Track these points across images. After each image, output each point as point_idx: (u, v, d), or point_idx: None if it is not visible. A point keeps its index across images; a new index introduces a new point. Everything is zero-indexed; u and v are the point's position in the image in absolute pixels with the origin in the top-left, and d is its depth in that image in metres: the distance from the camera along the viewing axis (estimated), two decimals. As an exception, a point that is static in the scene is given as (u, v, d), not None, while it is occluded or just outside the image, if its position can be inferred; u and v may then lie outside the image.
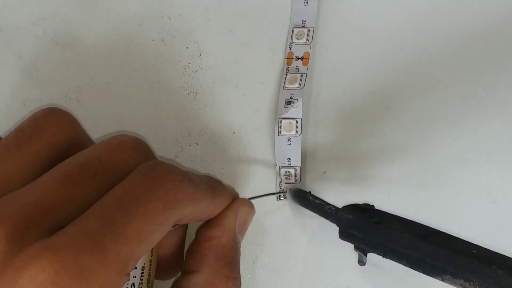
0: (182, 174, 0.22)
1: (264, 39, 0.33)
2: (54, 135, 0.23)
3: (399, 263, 0.26)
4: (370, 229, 0.27)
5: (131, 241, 0.19)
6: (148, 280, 0.23)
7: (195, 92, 0.33)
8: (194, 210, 0.22)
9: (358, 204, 0.29)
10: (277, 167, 0.32)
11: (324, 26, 0.33)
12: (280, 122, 0.31)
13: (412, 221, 0.27)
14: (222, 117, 0.33)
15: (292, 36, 0.32)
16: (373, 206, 0.29)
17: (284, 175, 0.32)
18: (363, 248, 0.28)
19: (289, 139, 0.31)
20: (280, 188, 0.32)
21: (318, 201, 0.30)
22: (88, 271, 0.18)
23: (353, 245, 0.29)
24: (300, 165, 0.31)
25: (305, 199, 0.31)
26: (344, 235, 0.29)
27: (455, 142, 0.31)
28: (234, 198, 0.26)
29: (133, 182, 0.20)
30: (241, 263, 0.32)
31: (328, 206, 0.29)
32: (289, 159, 0.31)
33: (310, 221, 0.32)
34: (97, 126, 0.33)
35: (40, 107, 0.34)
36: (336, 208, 0.29)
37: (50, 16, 0.34)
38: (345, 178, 0.32)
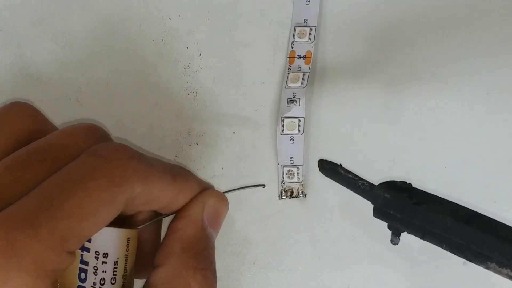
0: (131, 152, 0.21)
1: (264, 39, 0.33)
2: (14, 127, 0.23)
3: (438, 246, 0.25)
4: (409, 210, 0.26)
5: (70, 218, 0.19)
6: (124, 276, 0.23)
7: (195, 92, 0.33)
8: (148, 192, 0.22)
9: (395, 182, 0.28)
10: (280, 166, 0.32)
11: (326, 25, 0.33)
12: (283, 121, 0.31)
13: (454, 203, 0.26)
14: (222, 117, 0.33)
15: (294, 34, 0.32)
16: (410, 184, 0.28)
17: (286, 174, 0.32)
18: (398, 228, 0.27)
19: (291, 138, 0.31)
20: (282, 187, 0.32)
21: (351, 176, 0.29)
22: (19, 246, 0.18)
23: (386, 224, 0.28)
24: (303, 164, 0.31)
25: (336, 172, 0.29)
26: (379, 213, 0.27)
27: (455, 142, 0.31)
28: (205, 189, 0.25)
29: (79, 162, 0.20)
30: (241, 263, 0.32)
31: (361, 182, 0.28)
32: (291, 158, 0.31)
33: (310, 220, 0.32)
34: (97, 126, 0.33)
35: (40, 107, 0.34)
36: (370, 184, 0.28)
37: (50, 16, 0.34)
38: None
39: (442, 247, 0.25)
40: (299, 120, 0.31)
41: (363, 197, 0.28)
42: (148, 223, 0.24)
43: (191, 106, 0.33)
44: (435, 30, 0.32)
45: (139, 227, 0.24)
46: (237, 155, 0.33)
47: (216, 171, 0.33)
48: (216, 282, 0.24)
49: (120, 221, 0.23)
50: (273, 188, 0.32)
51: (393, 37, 0.32)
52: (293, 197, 0.32)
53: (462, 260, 0.30)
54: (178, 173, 0.24)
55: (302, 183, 0.31)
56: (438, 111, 0.32)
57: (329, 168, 0.30)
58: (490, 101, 0.31)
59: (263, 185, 0.29)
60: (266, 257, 0.32)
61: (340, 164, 0.30)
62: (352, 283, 0.32)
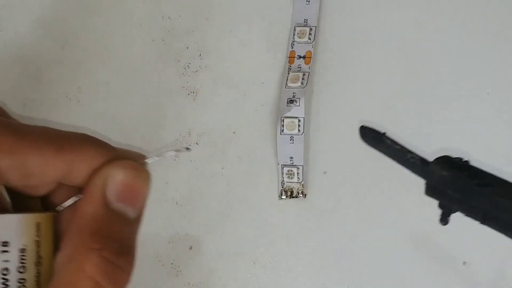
0: None
1: (264, 39, 0.33)
2: None
3: (501, 232, 0.24)
4: (471, 192, 0.24)
5: None
6: (38, 263, 0.21)
7: (195, 92, 0.33)
8: (21, 165, 0.19)
9: (451, 158, 0.25)
10: (280, 166, 0.32)
11: (326, 25, 0.33)
12: (283, 121, 0.31)
13: None
14: (222, 117, 0.33)
15: (294, 34, 0.32)
16: (468, 161, 0.25)
17: (286, 174, 0.32)
18: (452, 208, 0.25)
19: (291, 138, 0.31)
20: (282, 187, 0.32)
21: (398, 147, 0.26)
22: None
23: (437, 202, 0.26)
24: (302, 164, 0.31)
25: (380, 141, 0.27)
26: (433, 191, 0.25)
27: (455, 142, 0.31)
28: (114, 159, 0.21)
29: None
30: (241, 262, 0.32)
31: (411, 155, 0.26)
32: (291, 157, 0.31)
33: (310, 221, 0.32)
34: (97, 126, 0.33)
35: (40, 107, 0.34)
36: (422, 159, 0.26)
37: (50, 16, 0.34)
38: (345, 178, 0.32)
39: (505, 234, 0.23)
40: (299, 120, 0.31)
41: (412, 171, 0.26)
42: (66, 204, 0.21)
43: (191, 106, 0.33)
44: (436, 29, 0.32)
45: (57, 209, 0.22)
46: (237, 155, 0.33)
47: (216, 171, 0.33)
48: (129, 263, 0.21)
49: (34, 204, 0.21)
50: (273, 189, 0.32)
51: (394, 37, 0.32)
52: (293, 197, 0.32)
53: (462, 260, 0.30)
54: (70, 142, 0.21)
55: (302, 183, 0.31)
56: (438, 111, 0.31)
57: (373, 137, 0.28)
58: (490, 101, 0.31)
59: (188, 148, 0.24)
60: (266, 257, 0.32)
61: (385, 133, 0.28)
62: (352, 283, 0.32)
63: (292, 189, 0.32)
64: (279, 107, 0.32)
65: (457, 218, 0.31)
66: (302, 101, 0.31)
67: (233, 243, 0.32)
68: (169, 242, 0.33)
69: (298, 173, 0.31)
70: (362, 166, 0.31)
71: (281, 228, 0.32)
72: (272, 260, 0.32)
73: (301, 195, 0.32)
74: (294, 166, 0.31)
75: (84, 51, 0.34)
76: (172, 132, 0.33)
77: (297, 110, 0.31)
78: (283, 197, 0.32)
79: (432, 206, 0.31)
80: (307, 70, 0.32)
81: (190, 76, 0.33)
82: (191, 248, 0.32)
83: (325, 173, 0.32)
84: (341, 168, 0.32)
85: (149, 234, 0.33)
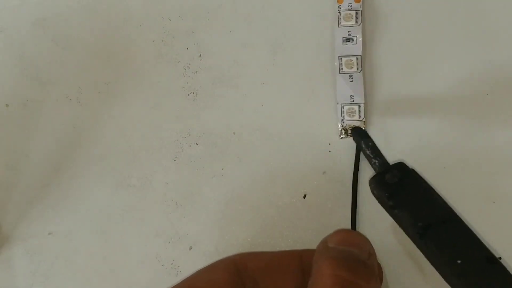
0: None
1: (264, 39, 0.33)
2: None
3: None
4: (388, 211, 0.25)
5: None
6: None
7: (195, 93, 0.33)
8: None
9: (383, 175, 0.26)
10: (339, 105, 0.32)
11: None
12: (341, 60, 0.31)
13: (435, 200, 0.25)
14: (222, 117, 0.33)
15: None
16: (406, 175, 0.26)
17: (347, 112, 0.32)
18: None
19: (350, 76, 0.31)
20: (342, 126, 0.32)
21: (368, 152, 0.28)
22: None
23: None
24: (364, 101, 0.31)
25: (359, 146, 0.29)
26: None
27: (454, 142, 0.31)
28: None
29: None
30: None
31: (374, 161, 0.28)
32: (351, 96, 0.31)
33: (310, 221, 0.32)
34: (97, 126, 0.33)
35: (40, 107, 0.34)
36: (380, 166, 0.27)
37: (51, 16, 0.34)
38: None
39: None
40: (357, 58, 0.31)
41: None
42: None
43: (191, 107, 0.33)
44: (436, 30, 0.32)
45: None
46: (237, 155, 0.33)
47: (216, 171, 0.33)
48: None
49: None
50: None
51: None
52: None
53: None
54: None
55: (364, 120, 0.31)
56: (438, 111, 0.32)
57: (355, 139, 0.30)
58: (490, 101, 0.31)
59: None
60: (266, 257, 0.32)
61: (367, 136, 0.29)
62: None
63: (353, 127, 0.32)
64: (335, 47, 0.32)
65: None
66: (359, 39, 0.31)
67: (234, 244, 0.32)
68: (169, 242, 0.33)
69: (360, 110, 0.31)
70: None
71: (281, 228, 0.32)
72: (272, 260, 0.32)
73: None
74: (355, 104, 0.31)
75: (84, 51, 0.34)
76: (172, 132, 0.33)
77: (354, 48, 0.31)
78: (343, 136, 0.32)
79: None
80: (359, 8, 0.32)
81: (190, 76, 0.33)
82: (191, 248, 0.33)
83: (324, 173, 0.32)
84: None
85: (149, 234, 0.33)
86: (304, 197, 0.32)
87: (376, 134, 0.32)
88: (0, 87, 0.34)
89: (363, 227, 0.31)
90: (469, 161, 0.31)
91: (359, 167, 0.32)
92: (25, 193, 0.33)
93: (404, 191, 0.26)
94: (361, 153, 0.31)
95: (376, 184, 0.26)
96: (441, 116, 0.31)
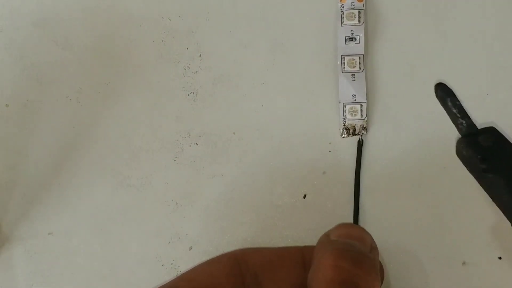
0: None
1: (264, 39, 0.33)
2: None
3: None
4: (478, 176, 0.25)
5: None
6: None
7: (195, 93, 0.33)
8: None
9: (480, 134, 0.25)
10: (341, 104, 0.32)
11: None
12: (343, 59, 0.31)
13: None
14: (222, 117, 0.33)
15: None
16: (494, 138, 0.26)
17: (349, 111, 0.32)
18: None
19: (353, 75, 0.31)
20: (344, 125, 0.32)
21: (455, 111, 0.27)
22: None
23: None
24: (366, 101, 0.32)
25: (445, 103, 0.28)
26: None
27: (455, 142, 0.31)
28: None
29: None
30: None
31: (460, 121, 0.27)
32: (354, 95, 0.31)
33: (310, 221, 0.32)
34: (97, 126, 0.33)
35: (41, 108, 0.34)
36: (468, 126, 0.26)
37: (51, 17, 0.34)
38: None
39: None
40: (360, 58, 0.31)
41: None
42: None
43: (191, 107, 0.33)
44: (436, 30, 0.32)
45: None
46: (237, 156, 0.33)
47: (216, 172, 0.33)
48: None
49: None
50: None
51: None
52: (355, 135, 0.32)
53: (462, 260, 0.30)
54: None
55: (366, 119, 0.32)
56: (438, 110, 0.32)
57: (440, 96, 0.29)
58: (490, 101, 0.31)
59: None
60: (266, 257, 0.32)
61: (453, 94, 0.29)
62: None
63: (354, 126, 0.32)
64: (337, 46, 0.32)
65: (457, 218, 0.31)
66: (361, 39, 0.31)
67: (234, 244, 0.32)
68: (169, 242, 0.33)
69: (361, 110, 0.32)
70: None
71: (281, 229, 0.32)
72: (272, 260, 0.32)
73: (363, 132, 0.32)
74: (357, 103, 0.32)
75: (84, 51, 0.34)
76: (172, 133, 0.33)
77: (357, 48, 0.31)
78: (344, 135, 0.32)
79: (431, 206, 0.31)
80: (362, 7, 0.32)
81: (190, 77, 0.33)
82: (191, 248, 0.33)
83: (324, 173, 0.32)
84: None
85: (149, 234, 0.33)
86: (304, 197, 0.32)
87: (376, 134, 0.32)
88: (0, 87, 0.34)
89: (364, 227, 0.31)
90: (469, 161, 0.31)
91: (361, 167, 0.32)
92: (25, 193, 0.33)
93: (498, 156, 0.25)
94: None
95: (468, 144, 0.25)
96: (442, 116, 0.31)
